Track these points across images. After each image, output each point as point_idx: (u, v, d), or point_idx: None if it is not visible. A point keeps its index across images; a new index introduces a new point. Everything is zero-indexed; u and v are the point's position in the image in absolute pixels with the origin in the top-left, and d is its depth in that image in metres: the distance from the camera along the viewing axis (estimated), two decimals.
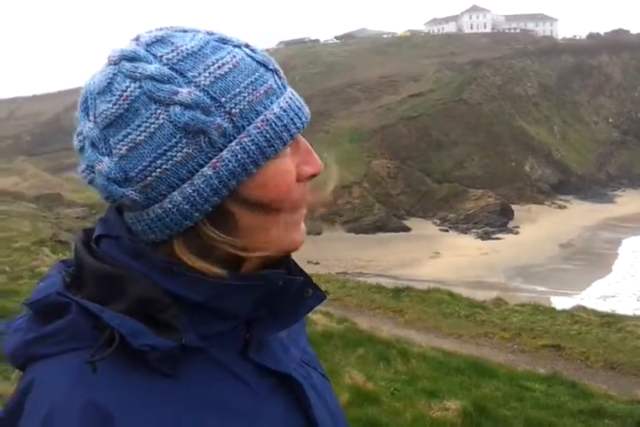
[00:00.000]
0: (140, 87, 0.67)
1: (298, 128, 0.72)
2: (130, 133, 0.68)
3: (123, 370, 0.66)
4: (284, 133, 0.71)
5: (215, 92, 0.68)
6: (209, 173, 0.68)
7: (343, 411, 0.92)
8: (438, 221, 42.01)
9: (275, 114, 0.70)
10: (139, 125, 0.67)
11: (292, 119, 0.72)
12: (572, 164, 54.29)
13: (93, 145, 0.70)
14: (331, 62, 68.02)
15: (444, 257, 33.35)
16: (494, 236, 38.45)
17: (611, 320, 10.34)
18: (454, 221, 41.52)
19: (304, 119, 0.74)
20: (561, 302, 18.20)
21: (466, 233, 39.48)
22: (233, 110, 0.68)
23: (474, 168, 47.95)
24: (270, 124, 0.70)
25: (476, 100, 54.00)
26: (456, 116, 51.40)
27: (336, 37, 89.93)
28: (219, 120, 0.67)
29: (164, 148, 0.67)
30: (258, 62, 0.72)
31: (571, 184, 51.70)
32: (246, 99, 0.69)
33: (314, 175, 0.76)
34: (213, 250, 0.71)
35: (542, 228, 39.36)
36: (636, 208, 45.73)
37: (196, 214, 0.69)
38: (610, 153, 59.36)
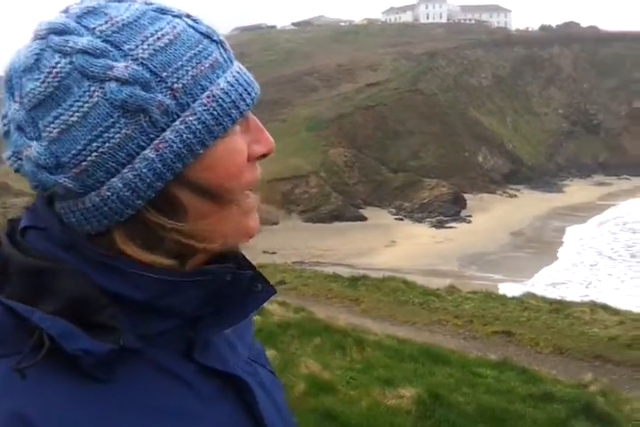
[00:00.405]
0: (71, 63, 0.62)
1: (247, 104, 0.67)
2: (61, 114, 0.62)
3: (53, 376, 0.60)
4: (233, 110, 0.66)
5: (155, 66, 0.62)
6: (151, 155, 0.62)
7: (290, 410, 0.88)
8: (394, 211, 42.45)
9: (222, 89, 0.65)
10: (71, 105, 0.61)
11: (240, 95, 0.67)
12: (523, 154, 55.60)
13: (20, 128, 0.64)
14: (288, 49, 67.49)
15: (399, 246, 33.76)
16: (448, 224, 39.13)
17: (559, 307, 10.67)
18: (409, 210, 42.04)
19: (254, 95, 0.68)
20: (512, 289, 18.68)
21: (420, 222, 40.05)
22: (175, 85, 0.63)
23: (429, 158, 48.56)
24: (217, 101, 0.65)
25: (431, 91, 54.55)
26: (412, 105, 51.83)
27: (293, 24, 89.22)
28: (160, 97, 0.62)
29: (100, 129, 0.61)
30: (201, 33, 0.67)
31: (521, 174, 52.97)
32: (189, 73, 0.64)
33: (265, 155, 0.71)
34: (160, 241, 0.66)
35: (494, 217, 40.26)
36: (583, 197, 47.29)
37: (139, 202, 0.64)
38: (559, 143, 61.02)
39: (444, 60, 59.68)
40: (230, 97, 0.65)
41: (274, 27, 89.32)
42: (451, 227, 38.60)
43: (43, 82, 0.62)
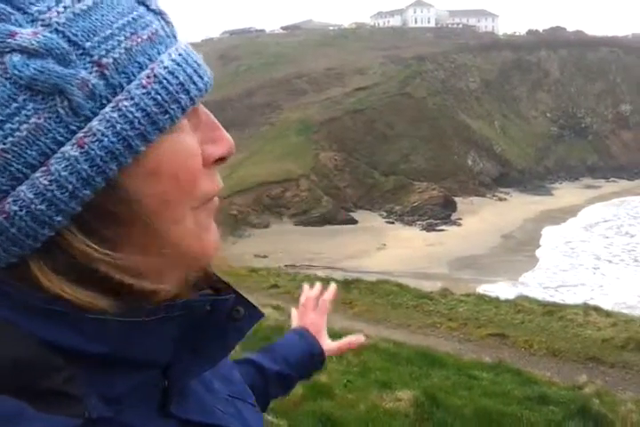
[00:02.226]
0: None
1: (199, 90, 0.52)
2: None
3: None
4: (182, 95, 0.50)
5: (75, 34, 0.47)
6: (73, 153, 0.46)
7: None
8: (384, 214, 42.57)
9: (166, 68, 0.50)
10: None
11: (190, 77, 0.51)
12: (512, 157, 55.97)
13: None
14: (277, 53, 67.53)
15: (390, 249, 33.85)
16: (438, 227, 39.30)
17: (552, 309, 10.74)
18: (400, 213, 42.18)
19: (206, 79, 0.53)
20: (504, 292, 18.77)
21: (411, 225, 40.20)
22: (104, 60, 0.47)
23: (419, 161, 48.76)
24: (161, 82, 0.49)
25: (420, 94, 54.83)
26: (401, 109, 52.07)
27: (282, 28, 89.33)
28: (83, 73, 0.46)
29: (0, 118, 0.46)
30: (138, 1, 0.52)
31: (511, 177, 53.30)
32: (122, 44, 0.49)
33: (223, 158, 0.56)
34: (92, 272, 0.49)
35: (484, 220, 40.47)
36: (572, 200, 47.65)
37: (58, 218, 0.47)
38: (548, 147, 61.49)
39: (432, 64, 60.03)
40: (178, 78, 0.50)
41: (263, 31, 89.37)
42: (441, 230, 38.77)
43: None
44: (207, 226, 0.56)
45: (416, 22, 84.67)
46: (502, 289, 22.82)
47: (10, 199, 0.46)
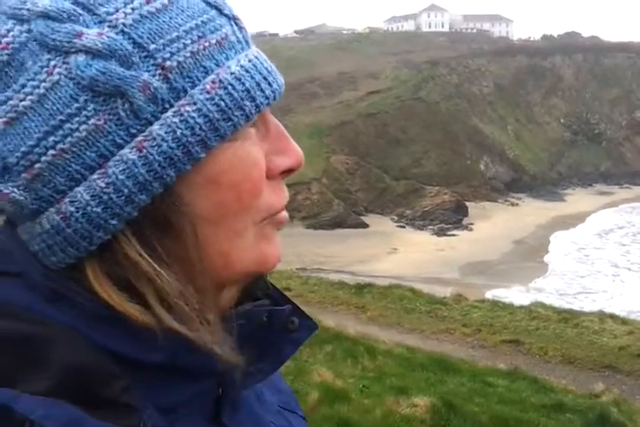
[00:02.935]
0: (29, 31, 0.46)
1: (267, 97, 0.50)
2: (8, 99, 0.46)
3: None
4: (247, 102, 0.49)
5: (140, 36, 0.46)
6: (132, 157, 0.46)
7: None
8: (395, 218, 42.49)
9: (233, 74, 0.49)
10: (22, 86, 0.46)
11: (257, 84, 0.50)
12: (525, 163, 55.70)
13: None
14: (290, 57, 67.70)
15: (401, 253, 33.76)
16: (450, 232, 39.15)
17: (568, 316, 10.66)
18: (411, 217, 42.08)
19: (276, 87, 0.51)
20: (518, 298, 18.66)
21: (422, 229, 40.08)
22: (168, 63, 0.46)
23: (430, 166, 48.64)
24: (226, 88, 0.48)
25: (433, 99, 54.74)
26: (414, 113, 52.01)
27: (296, 32, 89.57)
28: (146, 76, 0.46)
29: (60, 117, 0.45)
30: (207, 3, 0.51)
31: (523, 182, 53.03)
32: (188, 48, 0.47)
33: (292, 170, 0.54)
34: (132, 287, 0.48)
35: (496, 225, 40.27)
36: (585, 206, 47.30)
37: (113, 222, 0.46)
38: (561, 153, 61.13)
39: (445, 69, 59.93)
40: (244, 85, 0.49)
41: (276, 35, 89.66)
42: (452, 235, 38.61)
43: None
44: (270, 238, 0.54)
45: (430, 27, 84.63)
46: (516, 295, 22.70)
47: (67, 200, 0.46)
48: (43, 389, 0.43)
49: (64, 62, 0.45)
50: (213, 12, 0.50)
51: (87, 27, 0.45)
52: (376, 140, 49.13)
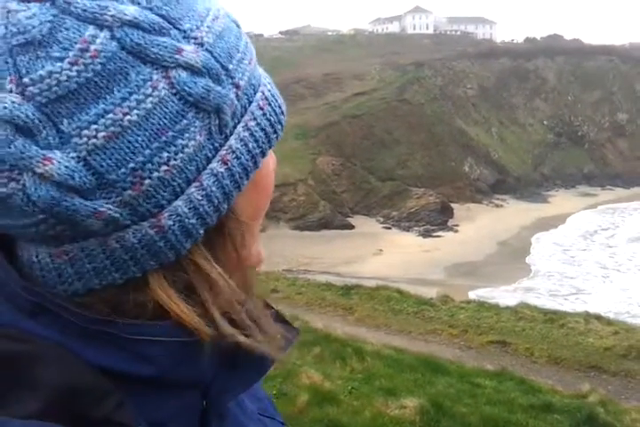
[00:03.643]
0: (115, 39, 0.44)
1: (285, 110, 0.56)
2: (109, 111, 0.43)
3: None
4: (282, 116, 0.54)
5: (220, 55, 0.48)
6: (220, 169, 0.48)
7: None
8: (381, 219, 42.54)
9: (270, 91, 0.54)
10: (124, 99, 0.44)
11: (280, 98, 0.55)
12: (509, 164, 56.10)
13: (23, 132, 0.43)
14: (275, 58, 67.59)
15: (387, 254, 33.80)
16: (435, 234, 39.28)
17: (553, 317, 10.74)
18: (397, 218, 42.16)
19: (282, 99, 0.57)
20: (505, 299, 18.76)
21: (408, 231, 40.17)
22: (241, 82, 0.49)
23: (416, 167, 48.80)
24: (270, 104, 0.53)
25: (418, 101, 54.93)
26: (399, 115, 52.15)
27: (280, 33, 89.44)
28: (232, 94, 0.48)
29: (171, 133, 0.45)
30: (235, 23, 0.53)
31: (507, 184, 53.40)
32: (247, 69, 0.50)
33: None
34: (193, 293, 0.49)
35: (481, 226, 40.48)
36: (568, 208, 47.74)
37: (201, 232, 0.48)
38: (544, 154, 61.65)
39: (430, 71, 60.18)
40: (277, 100, 0.54)
41: (261, 35, 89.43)
42: (438, 236, 38.75)
43: (73, 63, 0.43)
44: (258, 234, 0.57)
45: (414, 29, 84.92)
46: (503, 295, 22.81)
47: (166, 214, 0.46)
48: (32, 411, 0.42)
49: (164, 77, 0.45)
50: (243, 33, 0.53)
51: (179, 42, 0.45)
52: (362, 141, 49.20)
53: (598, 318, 10.75)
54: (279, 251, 32.39)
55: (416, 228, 40.40)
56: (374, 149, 48.88)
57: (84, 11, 0.44)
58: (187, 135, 0.46)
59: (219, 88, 0.46)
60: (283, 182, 41.18)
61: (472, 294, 21.95)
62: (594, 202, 51.56)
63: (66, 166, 0.43)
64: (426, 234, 39.12)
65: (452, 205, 44.17)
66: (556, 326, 10.05)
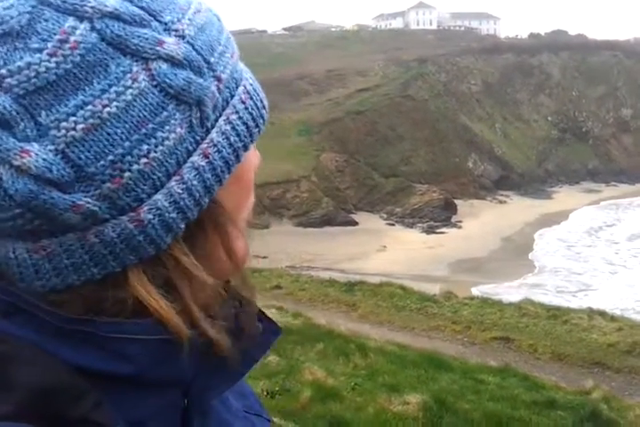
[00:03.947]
0: (96, 30, 0.44)
1: (267, 105, 0.56)
2: (87, 103, 0.43)
3: None
4: (263, 111, 0.54)
5: (201, 47, 0.48)
6: (201, 163, 0.47)
7: None
8: (385, 216, 42.50)
9: (252, 84, 0.53)
10: (103, 90, 0.43)
11: (262, 92, 0.55)
12: (513, 160, 55.94)
13: (4, 124, 0.42)
14: (278, 54, 67.51)
15: (390, 251, 33.77)
16: (439, 230, 39.23)
17: (557, 313, 10.71)
18: (400, 215, 42.10)
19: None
20: (506, 295, 18.73)
21: (411, 227, 40.12)
22: (222, 75, 0.49)
23: (419, 163, 48.71)
24: (252, 98, 0.52)
25: (421, 97, 54.78)
26: (403, 111, 52.02)
27: (284, 29, 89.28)
28: (213, 87, 0.48)
29: (151, 126, 0.45)
30: (216, 17, 0.53)
31: (511, 180, 53.26)
32: (229, 62, 0.50)
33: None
34: (172, 289, 0.48)
35: (484, 222, 40.41)
36: (571, 204, 47.61)
37: (182, 226, 0.48)
38: (548, 150, 61.46)
39: (434, 67, 59.98)
40: (259, 94, 0.54)
41: (264, 31, 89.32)
42: (441, 232, 38.69)
43: (52, 54, 0.42)
44: (244, 231, 0.56)
45: (418, 24, 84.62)
46: (507, 292, 22.76)
47: (145, 208, 0.46)
48: (6, 412, 0.42)
49: (146, 69, 0.44)
50: (225, 26, 0.53)
51: (160, 34, 0.45)
52: (365, 137, 49.11)
53: (602, 314, 10.72)
54: (283, 248, 32.43)
55: (420, 224, 40.35)
56: (378, 145, 48.79)
57: (64, 2, 0.43)
58: (167, 128, 0.45)
59: (200, 80, 0.46)
60: (286, 179, 41.18)
61: (476, 291, 21.95)
62: (597, 198, 51.41)
63: (44, 159, 0.42)
64: (429, 230, 39.07)
65: (456, 201, 44.09)
66: (560, 323, 10.03)
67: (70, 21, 0.43)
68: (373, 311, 11.03)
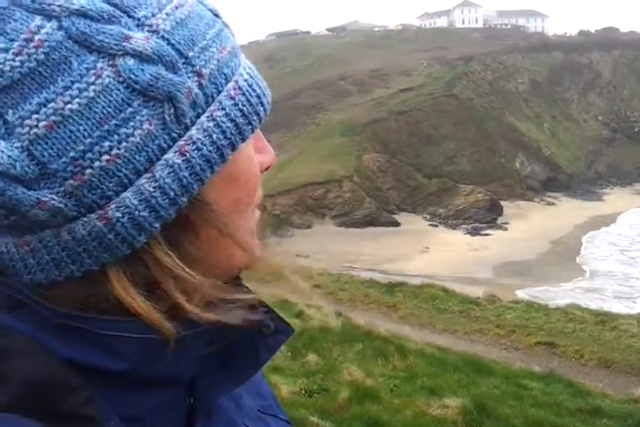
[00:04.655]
0: (62, 28, 0.44)
1: (269, 102, 0.54)
2: (50, 101, 0.43)
3: None
4: (259, 107, 0.52)
5: (179, 42, 0.47)
6: (176, 160, 0.46)
7: None
8: (428, 216, 42.09)
9: (246, 80, 0.52)
10: (66, 87, 0.43)
11: (262, 89, 0.53)
12: (562, 161, 54.60)
13: None
14: (322, 55, 67.69)
15: (433, 252, 33.42)
16: (483, 232, 38.59)
17: (605, 319, 10.40)
18: (444, 216, 41.62)
19: (268, 92, 0.55)
20: (554, 300, 18.29)
21: (455, 229, 39.59)
22: (203, 70, 0.48)
23: (464, 164, 48.05)
24: (245, 94, 0.51)
25: (466, 96, 54.03)
26: (447, 111, 51.41)
27: (328, 30, 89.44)
28: (189, 82, 0.47)
29: (114, 122, 0.44)
30: (211, 11, 0.52)
31: (559, 181, 51.99)
32: (215, 56, 0.49)
33: (268, 168, 0.58)
34: (156, 288, 0.48)
35: (532, 225, 39.55)
36: (623, 206, 46.12)
37: (156, 225, 0.47)
38: (599, 151, 59.74)
39: (479, 66, 59.07)
40: (255, 91, 0.52)
41: (308, 32, 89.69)
42: (486, 234, 38.03)
43: (17, 53, 0.43)
44: (255, 231, 0.57)
45: (463, 23, 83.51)
46: (551, 296, 22.20)
47: (113, 205, 0.45)
48: (1, 403, 0.43)
49: (111, 65, 0.44)
50: (219, 21, 0.52)
51: (130, 30, 0.45)
52: (408, 137, 48.74)
53: None
54: (324, 247, 32.53)
55: (464, 226, 39.79)
56: (421, 145, 48.37)
57: (33, 2, 0.44)
58: (131, 124, 0.45)
59: (171, 75, 0.46)
60: (328, 179, 41.26)
61: (523, 294, 21.48)
62: None
63: (9, 156, 0.43)
64: (474, 232, 38.46)
65: (502, 202, 43.28)
66: (608, 329, 9.73)
67: (37, 20, 0.43)
68: (414, 313, 10.93)
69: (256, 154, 0.55)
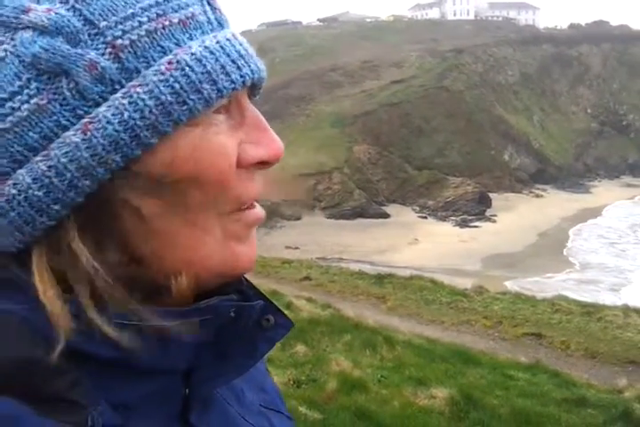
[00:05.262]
0: None
1: (234, 82, 0.47)
2: None
3: None
4: (206, 85, 0.45)
5: (92, 13, 0.43)
6: (75, 139, 0.43)
7: None
8: (417, 208, 42.25)
9: (193, 54, 0.45)
10: None
11: (222, 67, 0.46)
12: (550, 153, 54.89)
13: None
14: (313, 45, 67.40)
15: (422, 244, 33.59)
16: (472, 224, 38.83)
17: (591, 310, 10.50)
18: (433, 208, 41.80)
19: (247, 71, 0.48)
20: (541, 291, 18.45)
21: (444, 220, 39.80)
22: (119, 42, 0.44)
23: (454, 156, 48.19)
24: (183, 69, 0.44)
25: (457, 88, 54.09)
26: (437, 103, 51.46)
27: (319, 20, 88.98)
28: (93, 54, 0.43)
29: (3, 96, 0.43)
30: None
31: (548, 174, 52.31)
32: (144, 26, 0.44)
33: (267, 162, 0.51)
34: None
35: (520, 217, 39.82)
36: (611, 199, 46.51)
37: (56, 207, 0.44)
38: (587, 144, 60.10)
39: (470, 58, 59.11)
40: (205, 67, 0.45)
41: (299, 23, 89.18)
42: (475, 226, 38.29)
43: None
44: (241, 236, 0.51)
45: (455, 15, 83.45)
46: (538, 287, 22.38)
47: (10, 182, 0.44)
48: None
49: (11, 39, 0.43)
50: None
51: (37, 2, 0.43)
52: (399, 129, 48.77)
53: (638, 311, 10.48)
54: (313, 239, 32.60)
55: (453, 217, 40.00)
56: (411, 137, 48.43)
57: None
58: (18, 98, 0.43)
59: (67, 47, 0.42)
60: (318, 170, 41.26)
61: (512, 285, 21.63)
62: (638, 193, 50.05)
63: None
64: (463, 224, 38.69)
65: (491, 194, 43.55)
66: (594, 320, 9.82)
67: None
68: (403, 304, 10.98)
69: (248, 145, 0.49)
